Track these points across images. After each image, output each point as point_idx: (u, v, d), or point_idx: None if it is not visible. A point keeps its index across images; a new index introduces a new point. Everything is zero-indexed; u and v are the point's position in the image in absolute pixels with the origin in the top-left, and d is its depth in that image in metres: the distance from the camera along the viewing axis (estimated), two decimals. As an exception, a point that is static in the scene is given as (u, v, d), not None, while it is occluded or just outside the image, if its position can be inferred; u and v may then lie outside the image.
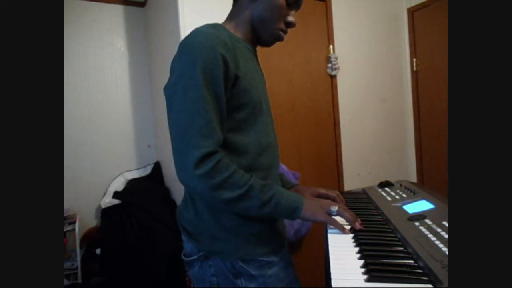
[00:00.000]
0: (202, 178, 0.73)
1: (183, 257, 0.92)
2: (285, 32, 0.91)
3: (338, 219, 0.85)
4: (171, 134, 0.78)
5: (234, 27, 0.90)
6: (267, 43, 0.93)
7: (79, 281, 2.11)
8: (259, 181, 0.79)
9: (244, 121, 0.83)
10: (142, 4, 2.58)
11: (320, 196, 1.01)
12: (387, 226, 0.86)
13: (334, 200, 0.98)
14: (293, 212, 0.81)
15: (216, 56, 0.74)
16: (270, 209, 0.78)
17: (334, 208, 0.83)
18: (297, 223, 1.80)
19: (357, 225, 0.82)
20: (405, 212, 0.92)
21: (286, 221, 0.99)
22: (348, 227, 0.84)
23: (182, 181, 0.77)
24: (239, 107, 0.81)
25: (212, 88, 0.74)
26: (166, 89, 0.81)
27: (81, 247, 2.21)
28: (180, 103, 0.75)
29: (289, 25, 0.89)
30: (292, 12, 0.89)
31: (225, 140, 0.79)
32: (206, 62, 0.73)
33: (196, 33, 0.77)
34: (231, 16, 0.92)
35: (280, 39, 0.91)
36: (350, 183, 2.27)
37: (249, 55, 0.88)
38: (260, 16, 0.87)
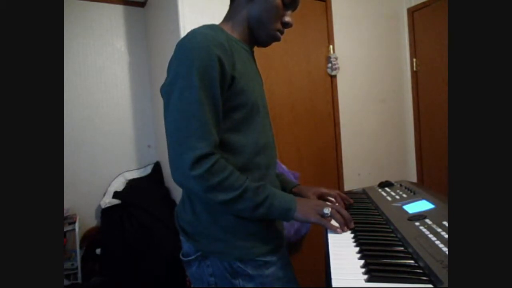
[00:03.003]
0: (197, 179, 0.73)
1: (181, 257, 0.92)
2: (282, 33, 0.91)
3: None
4: (167, 135, 0.78)
5: (231, 28, 0.90)
6: (264, 44, 0.93)
7: (79, 281, 2.12)
8: (254, 183, 0.80)
9: (241, 122, 0.83)
10: (142, 4, 2.58)
11: (322, 195, 1.02)
12: (387, 226, 0.86)
13: (334, 199, 0.99)
14: (286, 214, 0.82)
15: (212, 57, 0.74)
16: (263, 211, 0.79)
17: (327, 210, 0.83)
18: (297, 223, 1.80)
19: (345, 229, 0.82)
20: (405, 212, 0.92)
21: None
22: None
23: (177, 182, 0.77)
24: (236, 108, 0.81)
25: (208, 89, 0.74)
26: (163, 89, 0.81)
27: (81, 247, 2.21)
28: (176, 104, 0.75)
29: (286, 25, 0.90)
30: (289, 12, 0.90)
31: (222, 140, 0.79)
32: (202, 64, 0.74)
33: (193, 34, 0.77)
34: (228, 17, 0.92)
35: (277, 39, 0.91)
36: (350, 183, 2.27)
37: (246, 56, 0.89)
38: (256, 17, 0.87)
